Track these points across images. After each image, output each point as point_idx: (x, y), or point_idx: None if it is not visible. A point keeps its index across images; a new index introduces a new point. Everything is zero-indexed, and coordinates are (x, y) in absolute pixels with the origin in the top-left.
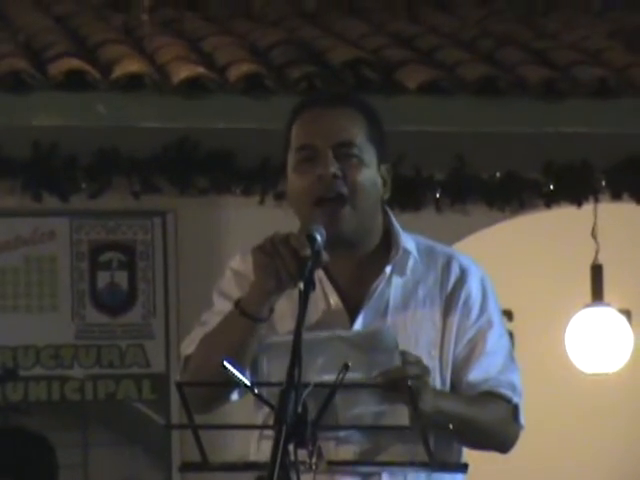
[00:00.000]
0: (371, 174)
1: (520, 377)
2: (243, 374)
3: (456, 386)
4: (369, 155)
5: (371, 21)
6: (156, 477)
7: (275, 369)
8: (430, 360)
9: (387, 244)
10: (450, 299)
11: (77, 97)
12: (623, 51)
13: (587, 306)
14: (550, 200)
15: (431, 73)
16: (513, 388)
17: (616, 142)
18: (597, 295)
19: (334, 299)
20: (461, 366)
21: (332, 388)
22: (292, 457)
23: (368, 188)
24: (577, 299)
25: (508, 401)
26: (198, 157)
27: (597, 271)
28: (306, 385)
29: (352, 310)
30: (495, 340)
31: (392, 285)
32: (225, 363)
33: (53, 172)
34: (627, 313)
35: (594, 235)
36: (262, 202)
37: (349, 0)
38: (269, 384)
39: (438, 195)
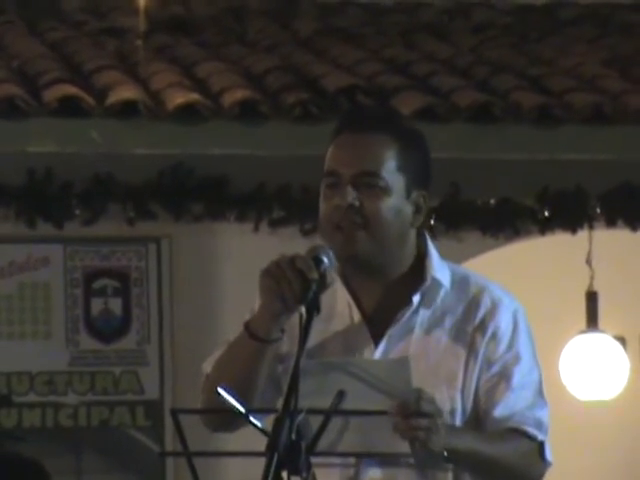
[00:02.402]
0: (395, 203)
1: (548, 413)
2: (251, 397)
3: (481, 419)
4: (396, 184)
5: (366, 47)
6: None
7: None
8: (450, 390)
9: (419, 271)
10: (478, 331)
11: (71, 123)
12: (618, 78)
13: (582, 332)
14: (545, 227)
15: (426, 99)
16: (539, 425)
17: (611, 169)
18: (592, 322)
19: (359, 321)
20: (486, 400)
21: (326, 415)
22: None
23: (388, 217)
24: (572, 326)
25: (533, 439)
26: (192, 183)
27: (592, 298)
28: (300, 411)
29: (376, 334)
30: (523, 375)
31: (419, 314)
32: (219, 390)
33: (47, 199)
34: (622, 340)
35: (589, 262)
36: (256, 229)
37: (344, 26)
38: (264, 410)
39: (432, 221)
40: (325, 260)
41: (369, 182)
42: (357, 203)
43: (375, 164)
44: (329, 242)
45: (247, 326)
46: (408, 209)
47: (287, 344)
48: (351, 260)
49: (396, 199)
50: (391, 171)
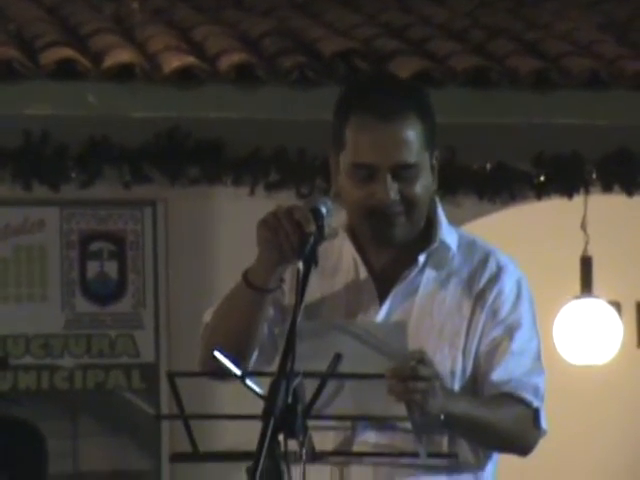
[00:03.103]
0: (426, 180)
1: (544, 381)
2: (249, 354)
3: (479, 382)
4: (424, 161)
5: (362, 11)
6: (145, 467)
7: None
8: (452, 349)
9: (428, 234)
10: (481, 294)
11: (68, 86)
12: (614, 43)
13: (576, 298)
14: (541, 191)
15: (422, 63)
16: (535, 392)
17: (607, 134)
18: (586, 287)
19: (365, 278)
20: (485, 363)
21: (323, 378)
22: (282, 447)
23: (423, 197)
24: (566, 291)
25: (528, 405)
26: (189, 147)
27: (586, 263)
28: (297, 375)
29: (382, 293)
30: (523, 342)
31: (424, 274)
32: (215, 353)
33: (43, 161)
34: (617, 305)
35: (584, 227)
36: (252, 192)
37: None
38: (260, 373)
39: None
40: (323, 210)
41: (407, 173)
42: (398, 196)
43: (409, 153)
44: (362, 224)
45: (245, 275)
46: (431, 179)
47: (289, 296)
48: (386, 242)
49: (425, 175)
50: (421, 152)
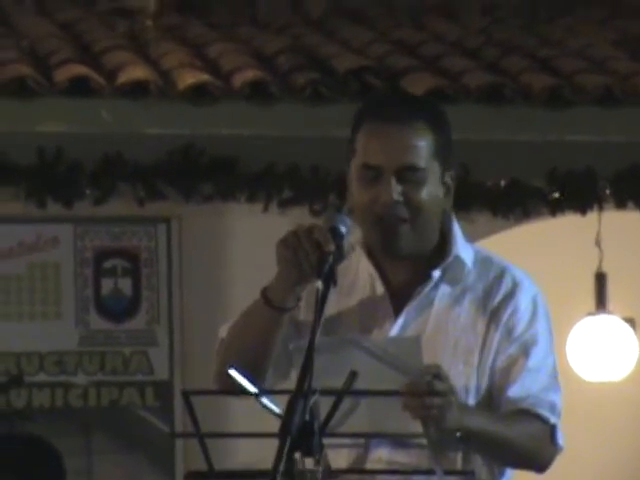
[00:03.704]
0: (434, 190)
1: (561, 397)
2: (265, 371)
3: (495, 399)
4: (433, 171)
5: (376, 28)
6: None
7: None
8: (467, 366)
9: (443, 249)
10: (496, 311)
11: (82, 103)
12: (628, 59)
13: (591, 314)
14: (555, 208)
15: (436, 81)
16: (552, 408)
17: (621, 150)
18: (601, 303)
19: (381, 294)
20: (500, 380)
21: (339, 395)
22: (299, 466)
23: (429, 206)
24: (581, 307)
25: (545, 421)
26: (202, 163)
27: (601, 279)
28: (314, 392)
29: (397, 308)
30: (539, 358)
31: (439, 290)
32: (230, 371)
33: (57, 178)
34: (631, 321)
35: (598, 243)
36: (266, 209)
37: (354, 7)
38: (275, 392)
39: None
40: (342, 230)
41: (412, 176)
42: (402, 198)
43: (417, 157)
44: (369, 232)
45: (263, 293)
46: (441, 192)
47: (304, 312)
48: (392, 252)
49: (433, 186)
50: (429, 160)
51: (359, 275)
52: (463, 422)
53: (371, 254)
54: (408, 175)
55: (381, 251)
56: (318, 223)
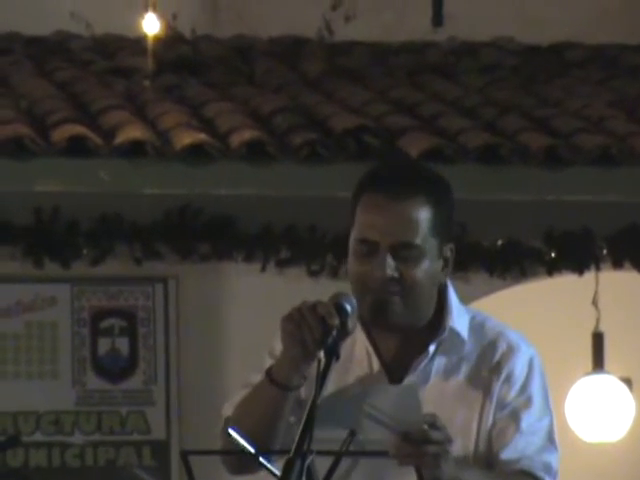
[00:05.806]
0: (430, 265)
1: (558, 459)
2: (272, 443)
3: (491, 463)
4: (431, 247)
5: (373, 88)
6: None
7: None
8: (465, 440)
9: (438, 321)
10: (492, 374)
11: (79, 163)
12: (625, 119)
13: (588, 374)
14: (552, 268)
15: (433, 140)
16: (547, 469)
17: (618, 210)
18: (598, 363)
19: (378, 370)
20: (495, 443)
21: (337, 455)
22: None
23: (425, 282)
24: (578, 367)
25: None
26: (200, 223)
27: (598, 339)
28: (311, 452)
29: (393, 381)
30: (533, 421)
31: (435, 362)
32: (230, 431)
33: (54, 238)
34: (628, 381)
35: (595, 303)
36: (264, 269)
37: (351, 67)
38: (276, 452)
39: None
40: (347, 308)
41: (408, 253)
42: (397, 274)
43: (413, 234)
44: (361, 303)
45: (268, 372)
46: (439, 267)
47: (306, 390)
48: (381, 325)
49: (430, 261)
50: (427, 236)
51: (355, 348)
52: (458, 474)
53: (365, 327)
54: (404, 252)
55: (371, 323)
56: (323, 301)
